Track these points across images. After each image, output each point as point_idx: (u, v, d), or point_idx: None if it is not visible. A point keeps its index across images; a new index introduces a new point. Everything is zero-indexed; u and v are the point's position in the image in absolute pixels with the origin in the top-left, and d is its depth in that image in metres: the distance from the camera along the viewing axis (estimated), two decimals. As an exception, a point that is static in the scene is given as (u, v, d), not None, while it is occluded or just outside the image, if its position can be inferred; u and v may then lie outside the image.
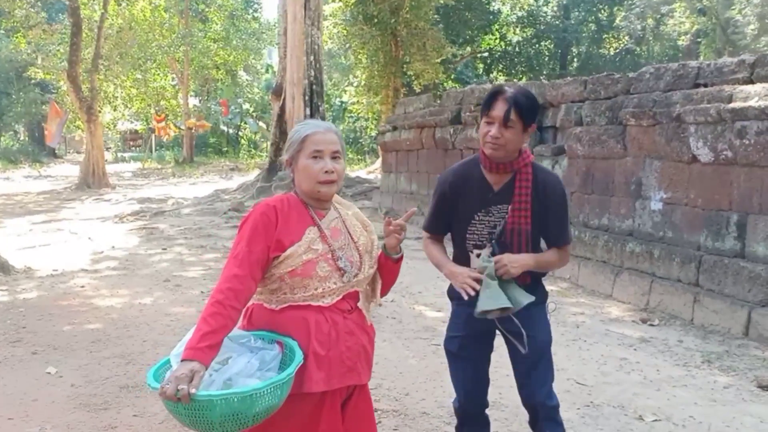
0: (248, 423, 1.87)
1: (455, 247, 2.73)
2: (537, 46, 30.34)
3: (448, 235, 2.82)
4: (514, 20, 29.32)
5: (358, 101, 25.12)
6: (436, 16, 21.92)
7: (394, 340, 5.34)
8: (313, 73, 15.44)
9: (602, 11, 31.08)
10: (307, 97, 15.29)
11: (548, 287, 2.89)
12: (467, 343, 2.71)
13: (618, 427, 3.75)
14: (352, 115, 30.22)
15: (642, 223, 6.73)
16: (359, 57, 22.30)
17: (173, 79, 33.32)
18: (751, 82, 5.71)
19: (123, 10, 23.78)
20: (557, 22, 29.83)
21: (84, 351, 5.00)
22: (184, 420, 1.86)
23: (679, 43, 30.80)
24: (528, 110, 2.48)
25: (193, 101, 36.51)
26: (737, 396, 4.25)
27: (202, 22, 33.65)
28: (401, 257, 2.37)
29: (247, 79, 40.35)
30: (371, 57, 21.30)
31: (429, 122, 11.38)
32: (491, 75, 29.48)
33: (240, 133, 41.21)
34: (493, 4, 27.44)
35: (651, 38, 31.09)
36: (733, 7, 24.54)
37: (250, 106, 39.78)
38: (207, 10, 33.98)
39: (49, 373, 4.54)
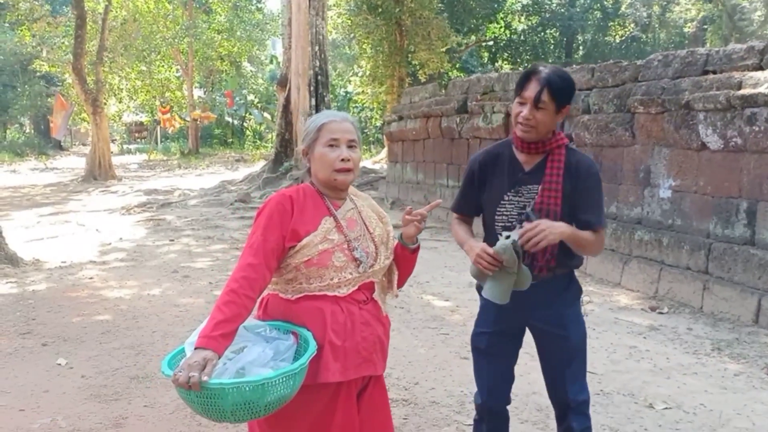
0: (260, 412, 1.87)
1: (485, 230, 2.66)
2: (542, 34, 30.15)
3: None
4: (519, 8, 29.14)
5: (363, 91, 25.05)
6: (440, 5, 21.80)
7: (403, 330, 5.34)
8: (318, 64, 15.38)
9: (608, -2, 30.88)
10: (312, 88, 15.24)
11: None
12: (496, 341, 2.65)
13: (628, 415, 3.75)
14: (357, 105, 30.13)
15: (651, 211, 6.70)
16: (364, 47, 22.21)
17: (178, 70, 33.32)
18: (761, 68, 5.66)
19: (127, 1, 23.81)
20: (562, 10, 29.62)
21: (94, 342, 5.02)
22: (196, 408, 1.86)
23: (685, 30, 30.61)
24: (562, 91, 2.41)
25: (197, 93, 36.51)
26: (748, 383, 4.24)
27: (206, 13, 33.55)
28: (418, 247, 2.35)
29: (251, 70, 40.31)
30: (376, 47, 21.21)
31: (435, 112, 11.35)
32: (496, 64, 29.34)
33: (245, 124, 41.18)
34: (498, -8, 27.28)
35: (657, 25, 30.90)
36: (739, -7, 24.35)
37: (255, 97, 39.73)
38: (211, 1, 33.88)
39: (59, 364, 4.56)
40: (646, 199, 6.75)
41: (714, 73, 6.06)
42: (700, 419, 3.70)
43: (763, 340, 5.03)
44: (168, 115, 32.72)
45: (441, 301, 6.28)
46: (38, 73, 31.99)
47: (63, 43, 22.93)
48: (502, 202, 2.55)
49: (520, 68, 25.67)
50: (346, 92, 32.62)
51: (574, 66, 9.38)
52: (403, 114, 12.91)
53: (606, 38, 31.17)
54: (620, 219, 7.12)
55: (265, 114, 37.04)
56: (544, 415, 3.73)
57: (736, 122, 5.62)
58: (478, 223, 2.76)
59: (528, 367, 3.84)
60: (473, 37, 26.47)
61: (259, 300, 2.15)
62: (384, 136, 16.86)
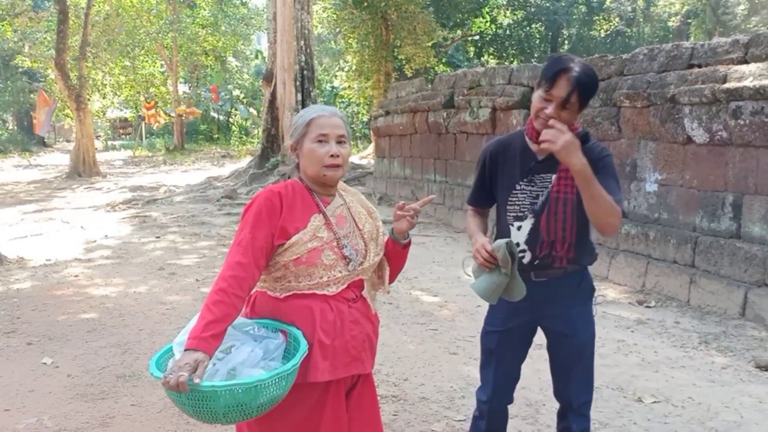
0: (253, 414, 1.86)
1: (497, 220, 2.62)
2: (528, 28, 30.21)
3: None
4: (504, 3, 29.17)
5: (349, 86, 25.02)
6: (426, -1, 21.81)
7: (392, 326, 5.33)
8: (303, 58, 15.33)
9: (593, -7, 30.95)
10: (298, 83, 15.20)
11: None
12: (506, 340, 2.62)
13: (617, 409, 3.76)
14: (344, 100, 30.08)
15: (637, 204, 6.73)
16: (350, 41, 22.16)
17: (162, 65, 33.07)
18: (746, 62, 5.68)
19: (110, -4, 23.53)
20: (547, 5, 29.68)
21: (80, 341, 4.97)
22: (187, 410, 1.84)
23: (670, 24, 30.78)
24: (590, 92, 2.35)
25: (182, 88, 36.24)
26: (735, 377, 4.26)
27: (189, 7, 33.27)
28: (409, 243, 2.34)
29: (236, 65, 40.06)
30: (362, 41, 21.18)
31: (422, 106, 11.33)
32: (482, 58, 29.37)
33: (231, 119, 40.97)
34: (484, -14, 27.29)
35: (641, 19, 31.06)
36: (723, -12, 24.50)
37: (241, 93, 39.50)
38: (194, -5, 33.66)
39: (44, 363, 4.51)
40: (633, 192, 6.77)
41: (699, 66, 6.08)
42: (689, 413, 3.72)
43: (750, 333, 5.07)
44: (152, 111, 32.38)
45: (429, 296, 6.28)
46: (21, 69, 31.62)
47: (45, 38, 22.68)
48: (514, 191, 2.51)
49: (506, 63, 25.71)
50: (333, 87, 32.52)
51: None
52: (390, 109, 12.88)
53: (591, 32, 31.30)
54: (607, 213, 7.13)
55: (251, 109, 36.87)
56: (534, 410, 3.74)
57: (721, 116, 5.64)
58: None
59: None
60: (459, 32, 26.48)
61: (246, 298, 2.12)
62: (371, 132, 16.81)
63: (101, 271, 7.28)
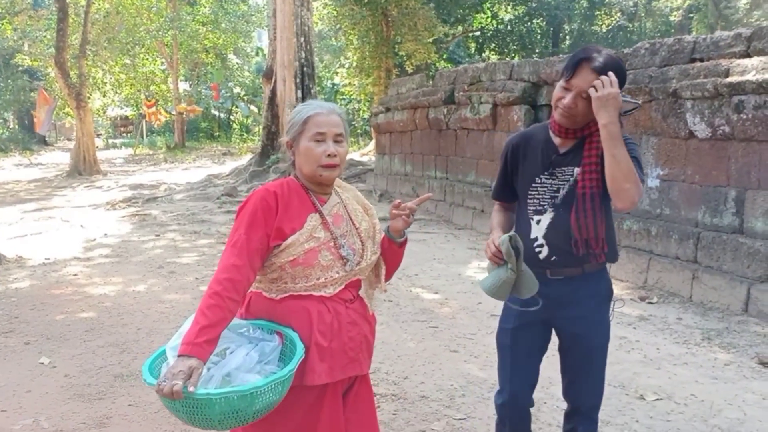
0: (249, 419, 1.82)
1: (518, 214, 2.56)
2: (529, 24, 30.08)
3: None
4: (506, -2, 29.06)
5: (349, 83, 24.94)
6: (427, -5, 21.72)
7: (392, 323, 5.29)
8: (303, 55, 15.27)
9: (594, -12, 30.83)
10: (298, 80, 15.14)
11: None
12: (521, 336, 2.56)
13: (619, 407, 3.72)
14: (345, 97, 30.01)
15: (639, 200, 6.66)
16: (350, 38, 22.09)
17: (162, 63, 32.99)
18: (748, 55, 5.63)
19: (109, -6, 23.48)
20: (549, 0, 29.58)
21: (78, 340, 4.94)
22: (182, 417, 1.81)
23: (671, 18, 30.67)
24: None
25: (183, 86, 36.15)
26: (738, 373, 4.22)
27: (189, 5, 33.15)
28: (405, 241, 2.29)
29: (237, 63, 39.95)
30: (362, 38, 21.10)
31: (422, 103, 11.28)
32: (483, 54, 29.26)
33: (231, 117, 40.89)
34: (484, -18, 27.17)
35: (643, 14, 30.93)
36: (725, -18, 24.40)
37: (241, 90, 39.40)
38: (194, -8, 33.57)
39: (42, 363, 4.48)
40: (635, 188, 6.71)
41: (701, 60, 6.03)
42: (691, 410, 3.68)
43: (753, 329, 5.02)
44: (153, 109, 32.34)
45: (430, 293, 6.24)
46: (21, 68, 31.59)
47: (45, 36, 22.62)
48: (534, 184, 2.45)
49: (507, 58, 25.64)
50: (333, 84, 32.43)
51: (561, 56, 9.33)
52: (391, 105, 12.83)
53: (593, 27, 31.18)
54: (609, 209, 7.09)
55: (252, 107, 36.77)
56: (535, 408, 3.68)
57: (723, 110, 5.59)
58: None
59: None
60: (460, 28, 26.37)
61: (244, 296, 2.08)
62: (371, 128, 16.76)
63: (100, 270, 7.25)
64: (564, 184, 2.39)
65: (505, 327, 2.61)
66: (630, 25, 30.90)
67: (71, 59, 20.51)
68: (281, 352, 2.03)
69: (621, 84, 2.33)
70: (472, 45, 29.58)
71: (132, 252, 8.30)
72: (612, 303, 2.54)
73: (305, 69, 15.38)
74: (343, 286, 2.13)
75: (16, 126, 41.89)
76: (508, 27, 29.36)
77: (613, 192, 2.28)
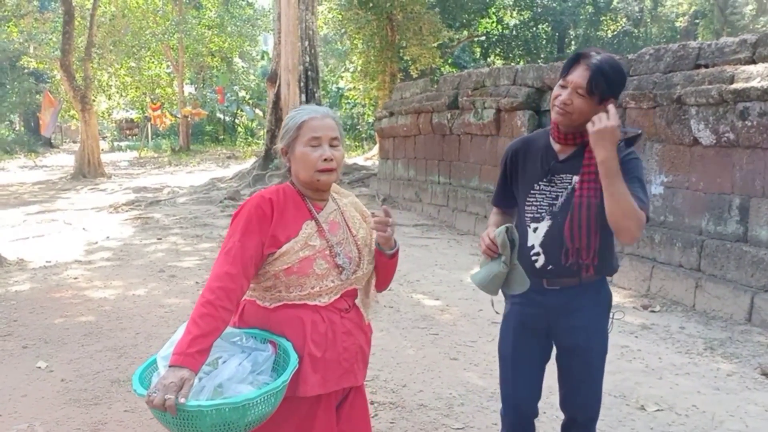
0: (240, 431, 1.79)
1: (517, 222, 2.51)
2: (534, 29, 30.06)
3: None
4: (511, 3, 29.01)
5: (354, 87, 24.94)
6: (432, 0, 21.72)
7: (392, 330, 5.25)
8: (308, 59, 15.27)
9: (599, -7, 30.81)
10: (302, 84, 15.13)
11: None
12: (521, 345, 2.52)
13: (619, 418, 3.67)
14: (349, 101, 30.02)
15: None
16: (355, 42, 22.09)
17: (168, 66, 33.06)
18: (753, 62, 5.58)
19: (115, -3, 23.54)
20: (554, 5, 29.54)
21: (76, 344, 4.92)
22: (172, 428, 1.77)
23: (677, 24, 30.62)
24: (609, 82, 2.24)
25: (188, 89, 36.23)
26: (741, 384, 4.17)
27: (195, 8, 33.27)
28: (396, 253, 2.23)
29: (242, 66, 40.01)
30: (367, 42, 21.10)
31: (426, 107, 11.24)
32: (488, 59, 29.25)
33: (237, 120, 40.94)
34: (490, -13, 27.18)
35: (649, 20, 30.88)
36: (731, -12, 24.35)
37: (247, 94, 39.45)
38: (201, -4, 33.65)
39: (39, 367, 4.46)
40: (638, 195, 6.66)
41: (706, 66, 5.98)
42: (693, 421, 3.63)
43: (756, 339, 4.97)
44: (159, 112, 32.44)
45: (431, 300, 6.19)
46: (27, 70, 31.68)
47: (51, 39, 22.70)
48: (532, 191, 2.42)
49: (512, 63, 25.61)
50: (338, 88, 32.45)
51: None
52: (394, 110, 12.80)
53: (598, 33, 31.14)
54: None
55: (257, 110, 36.84)
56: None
57: (728, 117, 5.55)
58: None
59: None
60: (465, 33, 26.36)
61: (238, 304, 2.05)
62: (375, 133, 16.75)
63: (101, 273, 7.23)
64: (562, 192, 2.36)
65: (506, 337, 2.58)
66: (635, 31, 30.86)
67: (77, 62, 20.55)
68: (275, 362, 2.00)
69: (618, 91, 2.32)
70: (477, 50, 29.59)
71: (133, 255, 8.28)
72: (611, 314, 2.50)
73: (309, 73, 15.38)
74: (338, 296, 2.09)
75: (22, 128, 42.02)
76: (514, 32, 29.35)
77: (612, 227, 2.25)
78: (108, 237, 9.61)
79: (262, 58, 38.88)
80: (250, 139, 37.41)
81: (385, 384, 4.15)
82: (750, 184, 5.49)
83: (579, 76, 2.25)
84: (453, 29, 23.89)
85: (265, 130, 17.92)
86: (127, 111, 37.18)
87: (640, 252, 6.51)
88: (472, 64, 26.33)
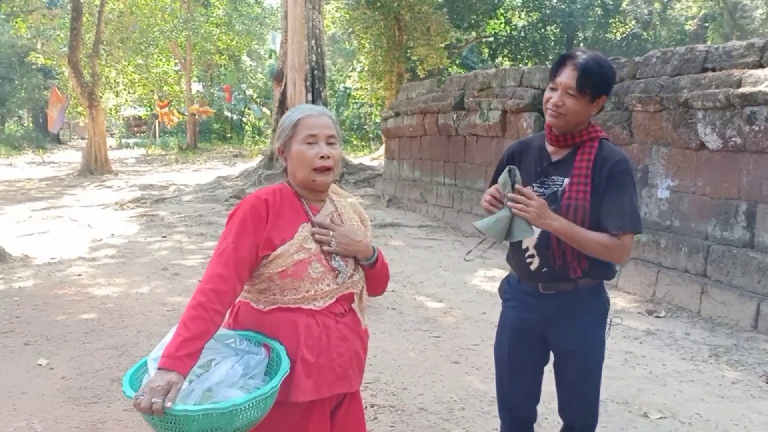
0: None
1: None
2: (542, 30, 29.99)
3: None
4: (519, 4, 28.96)
5: (361, 87, 24.92)
6: (440, 0, 21.67)
7: (394, 332, 5.22)
8: (314, 58, 15.25)
9: (609, -5, 30.72)
10: (308, 83, 15.11)
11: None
12: (517, 349, 2.50)
13: (622, 425, 3.64)
14: (357, 100, 30.00)
15: (648, 211, 6.58)
16: (362, 42, 22.06)
17: (176, 64, 33.11)
18: (761, 66, 5.53)
19: (124, -6, 23.59)
20: (563, 7, 29.46)
21: (77, 342, 4.91)
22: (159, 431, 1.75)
23: (686, 27, 30.50)
24: (598, 79, 2.25)
25: (196, 87, 36.29)
26: (746, 392, 4.12)
27: (204, 6, 33.31)
28: (376, 261, 2.17)
29: (250, 65, 40.11)
30: (374, 42, 21.07)
31: (432, 108, 11.21)
32: (496, 60, 29.20)
33: (244, 119, 41.01)
34: (498, -12, 27.12)
35: (658, 23, 30.76)
36: (741, -9, 24.22)
37: (254, 92, 39.52)
38: (209, -6, 33.71)
39: (40, 364, 4.45)
40: (644, 199, 6.63)
41: (713, 70, 5.93)
42: (696, 429, 3.59)
43: (762, 347, 4.92)
44: (166, 110, 32.52)
45: (434, 302, 6.16)
46: (35, 66, 31.81)
47: (59, 35, 22.76)
48: None
49: (520, 65, 25.55)
50: (346, 88, 32.45)
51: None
52: (400, 110, 12.77)
53: (607, 35, 31.04)
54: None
55: (265, 109, 36.85)
56: (536, 424, 3.61)
57: (735, 121, 5.50)
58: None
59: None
60: (473, 33, 26.30)
61: (228, 311, 2.02)
62: (382, 133, 16.72)
63: (104, 271, 7.22)
64: (554, 194, 2.35)
65: (502, 339, 2.57)
66: (644, 34, 30.76)
67: (84, 58, 20.61)
68: (268, 366, 1.97)
69: (608, 87, 2.33)
70: (486, 51, 29.54)
71: (137, 253, 8.28)
72: (609, 320, 2.48)
73: (316, 72, 15.36)
74: (334, 300, 2.06)
75: (31, 124, 42.21)
76: (522, 33, 29.30)
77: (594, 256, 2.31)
78: (113, 234, 9.61)
79: (270, 56, 38.93)
80: (258, 137, 37.43)
81: (386, 387, 4.13)
82: (757, 189, 5.44)
83: (567, 76, 2.26)
84: (461, 30, 23.84)
85: (272, 129, 17.90)
86: (135, 108, 37.27)
87: (646, 257, 6.47)
88: (480, 65, 26.29)
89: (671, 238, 6.22)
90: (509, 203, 2.24)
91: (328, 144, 2.06)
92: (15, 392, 4.00)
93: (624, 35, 31.09)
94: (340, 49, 29.93)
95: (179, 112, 34.03)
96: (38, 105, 37.48)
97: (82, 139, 39.34)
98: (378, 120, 26.53)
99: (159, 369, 1.76)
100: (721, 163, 5.77)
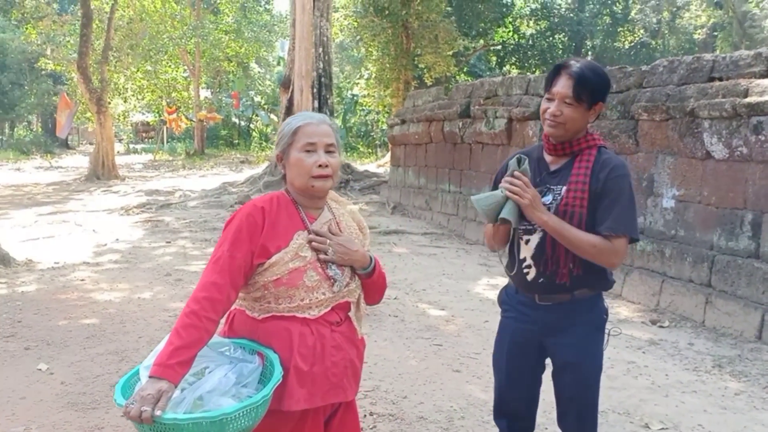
0: None
1: (512, 235, 2.48)
2: (551, 39, 30.00)
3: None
4: (528, 13, 29.02)
5: (369, 94, 24.93)
6: (448, 8, 21.68)
7: (395, 340, 5.19)
8: (321, 66, 15.28)
9: (617, 4, 30.71)
10: (315, 90, 15.13)
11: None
12: (515, 358, 2.49)
13: (623, 436, 3.60)
14: (364, 108, 30.04)
15: (653, 221, 6.54)
16: (370, 49, 22.08)
17: (185, 71, 33.25)
18: (768, 76, 5.50)
19: (134, 1, 23.71)
20: (571, 15, 29.50)
21: (78, 347, 4.90)
22: None
23: (695, 36, 30.44)
24: (594, 87, 2.26)
25: (204, 93, 36.44)
26: (749, 403, 4.07)
27: (213, 13, 33.49)
28: (373, 271, 2.16)
29: (259, 72, 40.23)
30: (382, 49, 21.09)
31: (438, 116, 11.20)
32: (504, 68, 29.22)
33: (251, 125, 41.12)
34: (507, -4, 27.15)
35: (666, 31, 30.71)
36: (750, 0, 24.15)
37: (262, 99, 39.64)
38: (218, 1, 33.83)
39: (40, 369, 4.44)
40: (649, 208, 6.59)
41: (720, 80, 5.90)
42: (698, 441, 3.55)
43: (766, 358, 4.86)
44: (174, 116, 32.63)
45: (437, 310, 6.13)
46: (45, 72, 32.01)
47: (68, 41, 22.90)
48: None
49: (528, 73, 25.53)
50: (353, 95, 32.51)
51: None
52: (406, 118, 12.77)
53: (615, 44, 31.02)
54: (622, 228, 6.95)
55: (272, 116, 36.90)
56: (535, 434, 3.58)
57: (741, 131, 5.46)
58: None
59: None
60: (481, 41, 26.33)
61: (223, 319, 2.01)
62: (388, 140, 16.72)
63: (108, 276, 7.23)
64: (552, 203, 2.34)
65: (500, 349, 2.57)
66: (653, 42, 30.71)
67: (94, 64, 20.72)
68: (262, 374, 1.96)
69: (604, 94, 2.33)
70: (493, 59, 29.56)
71: (141, 258, 8.29)
72: (607, 332, 2.46)
73: (323, 79, 15.39)
74: (329, 308, 2.04)
75: (40, 129, 42.45)
76: (530, 42, 29.31)
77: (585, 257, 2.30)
78: (117, 239, 9.63)
79: (279, 63, 39.04)
80: (265, 144, 37.47)
81: (386, 395, 4.10)
82: (763, 199, 5.40)
83: (563, 86, 2.27)
84: (469, 38, 23.87)
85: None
86: (143, 114, 37.45)
87: (650, 266, 6.42)
88: (488, 73, 26.30)
89: (676, 248, 6.18)
90: (504, 185, 2.27)
91: (327, 152, 2.05)
92: (14, 397, 3.99)
93: (632, 44, 31.06)
94: (348, 57, 29.99)
95: (187, 118, 34.13)
96: (47, 110, 37.72)
97: (91, 144, 39.57)
98: (384, 127, 26.57)
99: (150, 377, 1.75)
100: (727, 172, 5.73)
